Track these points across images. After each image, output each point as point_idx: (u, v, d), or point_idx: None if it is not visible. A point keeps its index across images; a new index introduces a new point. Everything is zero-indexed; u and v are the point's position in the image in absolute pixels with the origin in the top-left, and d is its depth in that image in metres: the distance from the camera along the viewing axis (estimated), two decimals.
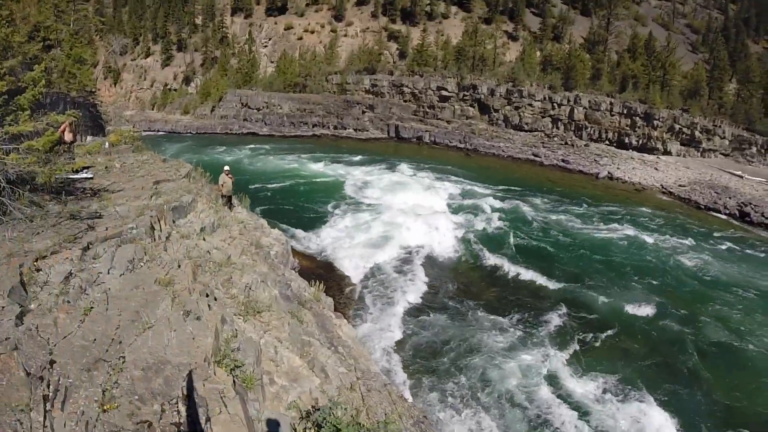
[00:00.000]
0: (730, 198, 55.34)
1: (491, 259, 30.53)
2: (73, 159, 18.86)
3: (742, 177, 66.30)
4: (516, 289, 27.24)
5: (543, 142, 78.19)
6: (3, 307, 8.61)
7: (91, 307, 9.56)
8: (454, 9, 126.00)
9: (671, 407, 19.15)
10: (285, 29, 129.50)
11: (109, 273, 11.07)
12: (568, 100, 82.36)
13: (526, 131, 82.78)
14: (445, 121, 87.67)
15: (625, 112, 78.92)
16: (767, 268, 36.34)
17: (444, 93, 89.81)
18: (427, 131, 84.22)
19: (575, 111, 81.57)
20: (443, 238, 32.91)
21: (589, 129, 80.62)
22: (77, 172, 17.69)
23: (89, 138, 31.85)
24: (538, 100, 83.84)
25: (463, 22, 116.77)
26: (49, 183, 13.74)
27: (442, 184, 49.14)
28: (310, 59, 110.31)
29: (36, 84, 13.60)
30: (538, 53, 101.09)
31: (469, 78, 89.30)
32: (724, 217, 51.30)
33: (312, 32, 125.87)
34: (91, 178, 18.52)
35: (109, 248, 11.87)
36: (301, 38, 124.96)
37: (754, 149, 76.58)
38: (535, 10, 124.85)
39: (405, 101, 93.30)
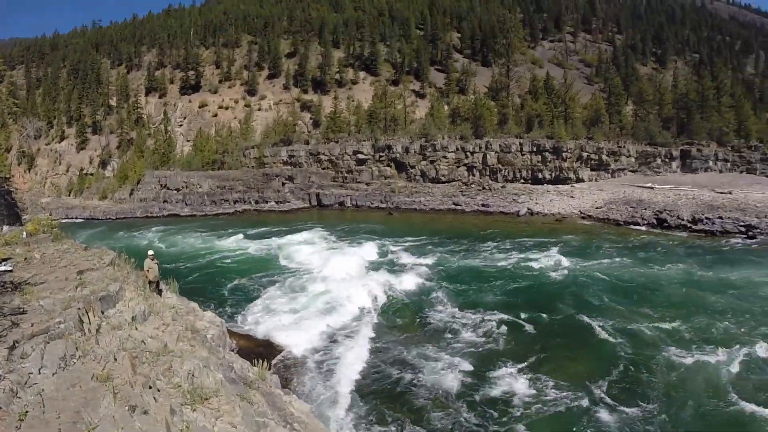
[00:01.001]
0: (645, 209, 59.05)
1: (425, 310, 31.04)
2: None
3: (652, 188, 71.03)
4: (455, 332, 27.55)
5: (462, 191, 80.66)
6: None
7: (26, 412, 8.93)
8: (362, 74, 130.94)
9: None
10: (200, 107, 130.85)
11: (40, 372, 10.41)
12: (480, 147, 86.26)
13: (444, 182, 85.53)
14: (365, 183, 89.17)
15: (534, 149, 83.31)
16: (689, 262, 40.22)
17: (360, 156, 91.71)
18: (348, 195, 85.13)
19: (488, 156, 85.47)
20: (377, 299, 33.13)
21: (504, 171, 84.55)
22: None
23: (5, 227, 31.25)
24: (452, 152, 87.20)
25: (372, 86, 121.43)
26: None
27: (368, 245, 49.54)
28: (227, 135, 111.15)
29: None
30: (446, 107, 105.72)
31: (383, 139, 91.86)
32: (643, 228, 54.79)
33: (226, 108, 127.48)
34: (11, 270, 18.15)
35: (38, 345, 11.30)
36: (216, 115, 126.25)
37: (658, 160, 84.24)
38: (439, 66, 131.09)
39: (323, 168, 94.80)
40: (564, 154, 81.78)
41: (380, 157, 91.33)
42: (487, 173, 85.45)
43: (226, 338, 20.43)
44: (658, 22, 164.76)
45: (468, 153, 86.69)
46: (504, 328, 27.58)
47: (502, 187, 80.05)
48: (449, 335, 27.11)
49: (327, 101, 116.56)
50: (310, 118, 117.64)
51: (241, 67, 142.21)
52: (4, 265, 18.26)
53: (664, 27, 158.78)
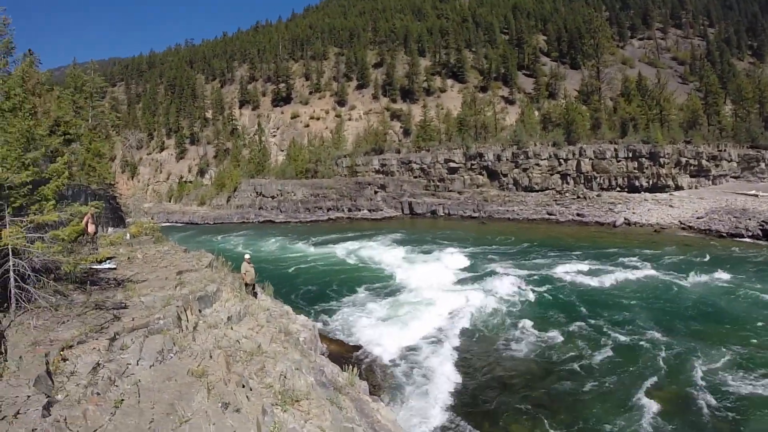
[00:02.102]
0: (750, 219, 54.70)
1: (521, 324, 29.36)
2: (97, 249, 19.04)
3: (757, 195, 65.95)
4: (545, 346, 26.06)
5: (555, 200, 77.91)
6: (29, 396, 8.53)
7: (122, 399, 9.30)
8: (450, 82, 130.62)
9: None
10: (291, 118, 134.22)
11: (138, 364, 10.89)
12: (573, 154, 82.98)
13: (537, 191, 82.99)
14: (457, 192, 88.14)
15: (630, 155, 79.30)
16: None
17: (452, 165, 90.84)
18: (440, 204, 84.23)
19: (582, 163, 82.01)
20: (466, 308, 32.14)
21: (599, 179, 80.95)
22: (101, 262, 17.94)
23: (110, 229, 32.47)
24: (544, 159, 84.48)
25: (460, 93, 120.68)
26: (73, 273, 14.02)
27: (461, 254, 48.30)
28: (319, 145, 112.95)
29: (59, 175, 14.05)
30: (537, 113, 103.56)
31: (474, 147, 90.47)
32: (748, 240, 50.45)
33: (318, 119, 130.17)
34: (115, 268, 18.91)
35: (137, 339, 11.78)
36: (307, 125, 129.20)
37: (762, 165, 77.18)
38: (527, 71, 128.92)
39: (415, 177, 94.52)
40: (661, 160, 77.05)
41: (472, 165, 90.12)
42: (582, 181, 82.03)
43: (317, 342, 20.41)
44: (752, 12, 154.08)
45: (561, 160, 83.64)
46: (597, 345, 25.73)
47: (597, 195, 76.60)
48: (539, 348, 25.84)
49: (416, 110, 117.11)
50: (400, 127, 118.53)
51: (330, 79, 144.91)
52: (109, 263, 19.02)
53: (758, 17, 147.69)
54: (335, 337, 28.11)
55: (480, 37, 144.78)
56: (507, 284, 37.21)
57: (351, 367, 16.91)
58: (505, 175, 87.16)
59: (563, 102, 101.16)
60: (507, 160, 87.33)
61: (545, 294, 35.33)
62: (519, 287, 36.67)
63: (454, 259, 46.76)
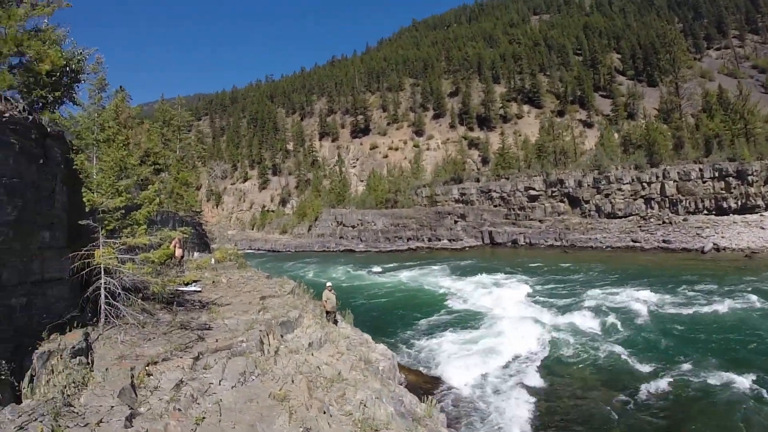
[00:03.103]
0: None
1: (603, 358, 27.97)
2: (184, 273, 19.84)
3: None
4: (636, 388, 23.53)
5: (640, 226, 74.66)
6: (112, 407, 8.82)
7: (203, 417, 9.50)
8: (526, 108, 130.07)
9: None
10: (370, 149, 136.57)
11: (220, 384, 11.09)
12: (657, 177, 78.69)
13: (620, 218, 79.69)
14: (538, 220, 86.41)
15: (716, 175, 74.13)
16: None
17: (532, 192, 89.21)
18: (521, 233, 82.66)
19: (666, 186, 77.49)
20: (548, 339, 31.34)
21: (684, 202, 75.98)
22: (187, 285, 18.54)
23: (196, 254, 33.42)
24: (627, 183, 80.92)
25: (537, 118, 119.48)
26: (161, 293, 14.53)
27: (541, 285, 47.25)
28: (398, 175, 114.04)
29: (150, 202, 14.61)
30: (616, 135, 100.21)
31: (554, 173, 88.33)
32: None
33: (396, 149, 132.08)
34: (200, 291, 19.51)
35: (220, 360, 12.08)
36: (386, 156, 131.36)
37: None
38: (603, 92, 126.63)
39: (495, 206, 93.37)
40: (749, 178, 71.30)
41: (552, 192, 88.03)
42: (666, 205, 77.57)
43: (395, 371, 20.01)
44: None
45: (644, 184, 79.59)
46: (685, 386, 23.18)
47: (683, 220, 72.75)
48: (621, 384, 23.92)
49: (493, 137, 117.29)
50: (479, 155, 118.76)
51: (406, 109, 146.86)
52: (195, 286, 19.68)
53: None
54: (413, 367, 27.68)
55: (553, 60, 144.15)
56: (589, 316, 35.88)
57: (429, 398, 16.68)
58: (587, 202, 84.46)
59: (643, 122, 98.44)
60: (588, 185, 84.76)
61: (629, 327, 33.45)
62: (601, 319, 35.08)
63: (535, 289, 45.93)
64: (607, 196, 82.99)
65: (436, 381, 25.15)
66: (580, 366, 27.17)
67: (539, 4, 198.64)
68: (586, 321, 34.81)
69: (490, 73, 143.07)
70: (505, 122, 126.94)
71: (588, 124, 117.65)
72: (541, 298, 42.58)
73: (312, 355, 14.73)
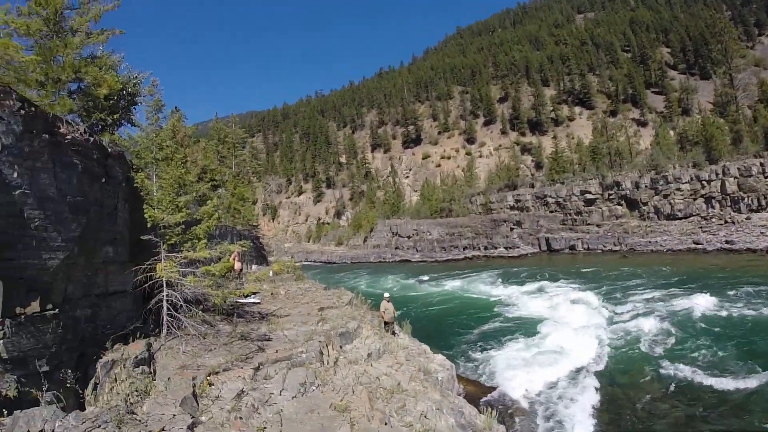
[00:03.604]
0: None
1: (665, 368, 26.52)
2: (243, 285, 20.22)
3: None
4: (702, 402, 22.47)
5: (701, 227, 71.79)
6: (174, 415, 8.98)
7: (264, 428, 9.55)
8: (577, 109, 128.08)
9: None
10: (423, 158, 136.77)
11: (281, 394, 11.15)
12: (716, 174, 74.91)
13: (680, 219, 76.49)
14: (595, 225, 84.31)
15: None
16: None
17: (588, 196, 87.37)
18: (578, 239, 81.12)
19: (726, 184, 73.42)
20: (611, 350, 30.33)
21: (746, 199, 71.80)
22: (246, 297, 19.01)
23: (254, 267, 33.96)
24: (685, 182, 77.63)
25: (590, 120, 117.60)
26: (220, 305, 14.99)
27: (600, 292, 45.66)
28: (452, 184, 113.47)
29: (210, 217, 15.04)
30: (671, 132, 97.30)
31: (610, 175, 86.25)
32: None
33: (448, 158, 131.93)
34: (259, 303, 19.79)
35: (280, 370, 12.18)
36: (439, 165, 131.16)
37: None
38: (655, 89, 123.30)
39: (551, 212, 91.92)
40: None
41: (609, 195, 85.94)
42: (728, 203, 73.71)
43: (454, 382, 19.55)
44: None
45: (703, 182, 75.96)
46: (759, 400, 21.69)
47: (747, 218, 69.27)
48: (686, 397, 22.87)
49: (546, 141, 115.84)
50: (532, 161, 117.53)
51: (457, 117, 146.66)
52: (254, 298, 19.96)
53: None
54: (471, 377, 27.28)
55: (602, 59, 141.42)
56: (650, 324, 34.34)
57: (489, 409, 16.32)
58: (645, 204, 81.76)
59: (698, 117, 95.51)
60: (646, 186, 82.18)
61: (693, 335, 31.87)
62: (664, 327, 33.63)
63: (594, 296, 44.47)
64: (665, 196, 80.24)
65: (495, 391, 24.78)
66: (643, 377, 26.25)
67: (583, 3, 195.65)
68: (647, 329, 33.57)
69: (538, 76, 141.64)
70: (557, 125, 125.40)
71: (642, 123, 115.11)
72: (601, 306, 41.53)
73: (371, 365, 14.71)
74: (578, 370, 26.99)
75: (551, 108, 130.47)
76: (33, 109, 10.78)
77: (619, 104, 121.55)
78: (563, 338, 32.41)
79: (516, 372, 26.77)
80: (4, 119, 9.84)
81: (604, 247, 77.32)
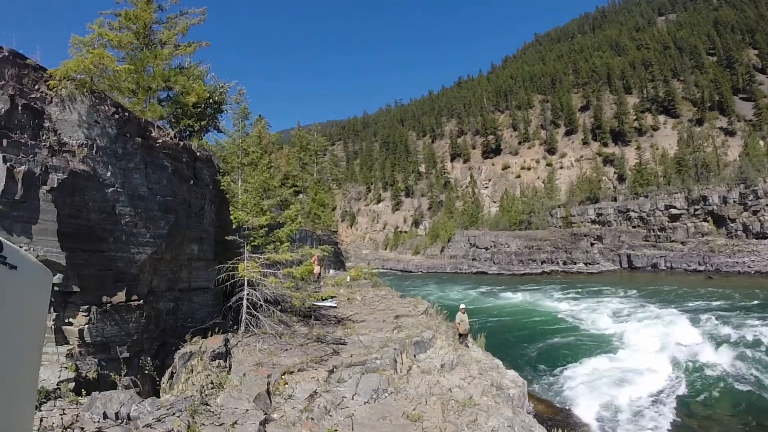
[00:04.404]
0: None
1: (751, 403, 25.04)
2: (321, 288, 20.64)
3: None
4: None
5: None
6: (247, 410, 9.15)
7: (335, 430, 9.54)
8: (662, 118, 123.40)
9: None
10: (502, 169, 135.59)
11: (353, 399, 11.11)
12: None
13: None
14: (680, 242, 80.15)
15: None
16: None
17: (673, 211, 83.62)
18: (661, 257, 77.80)
19: None
20: (690, 376, 28.92)
21: None
22: (324, 300, 19.29)
23: (332, 271, 34.58)
24: None
25: (675, 129, 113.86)
26: (299, 307, 15.26)
27: (682, 314, 43.55)
28: (531, 195, 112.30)
29: (292, 221, 15.48)
30: (761, 142, 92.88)
31: (697, 189, 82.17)
32: None
33: (528, 169, 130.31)
34: (336, 307, 20.17)
35: (354, 374, 12.22)
36: (518, 176, 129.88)
37: None
38: (743, 94, 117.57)
39: (633, 227, 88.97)
40: None
41: (695, 210, 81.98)
42: None
43: (525, 400, 19.09)
44: None
45: None
46: None
47: None
48: None
49: (629, 152, 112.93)
50: (614, 172, 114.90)
51: (537, 127, 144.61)
52: (331, 302, 20.30)
53: None
54: (542, 396, 26.49)
55: (686, 64, 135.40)
56: (732, 352, 32.52)
57: (559, 430, 16.16)
58: (733, 220, 77.49)
59: None
60: (734, 202, 77.93)
61: None
62: (747, 357, 31.63)
63: (675, 319, 42.60)
64: (755, 213, 75.88)
65: (565, 413, 24.21)
66: (723, 410, 24.97)
67: (663, 4, 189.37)
68: (729, 357, 31.91)
69: (620, 83, 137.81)
70: (641, 135, 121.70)
71: (730, 132, 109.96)
72: (681, 330, 39.75)
73: (444, 376, 14.64)
74: (653, 396, 26.12)
75: (634, 117, 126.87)
76: (126, 114, 11.55)
77: (705, 112, 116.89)
78: (639, 360, 31.54)
79: (589, 393, 26.21)
80: (100, 123, 10.60)
81: (688, 266, 73.79)
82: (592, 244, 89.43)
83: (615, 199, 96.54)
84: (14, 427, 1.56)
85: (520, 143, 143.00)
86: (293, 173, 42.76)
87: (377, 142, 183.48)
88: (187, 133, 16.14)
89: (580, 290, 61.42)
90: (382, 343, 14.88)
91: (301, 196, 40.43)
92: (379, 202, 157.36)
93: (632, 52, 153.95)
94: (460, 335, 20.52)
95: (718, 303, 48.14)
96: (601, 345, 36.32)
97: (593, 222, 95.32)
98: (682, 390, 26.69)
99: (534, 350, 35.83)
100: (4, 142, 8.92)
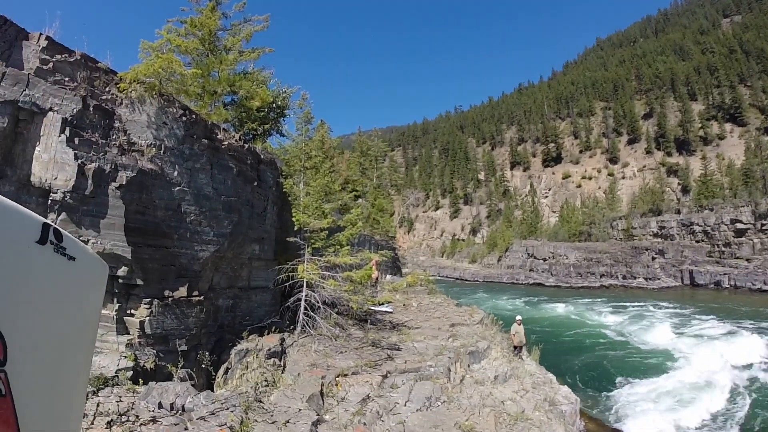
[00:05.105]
0: None
1: None
2: (378, 293, 20.58)
3: None
4: None
5: None
6: (300, 410, 9.29)
7: None
8: (728, 126, 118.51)
9: None
10: (563, 178, 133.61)
11: (405, 405, 11.06)
12: None
13: None
14: (745, 259, 76.62)
15: None
16: None
17: (739, 226, 79.99)
18: (725, 274, 74.27)
19: None
20: (743, 399, 28.03)
21: None
22: (380, 305, 19.26)
23: (389, 277, 34.60)
24: None
25: (742, 138, 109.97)
26: (355, 310, 15.41)
27: (743, 336, 42.41)
28: (592, 206, 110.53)
29: (353, 225, 15.65)
30: None
31: (765, 203, 78.77)
32: None
33: (589, 178, 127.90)
34: (391, 312, 20.26)
35: (407, 381, 12.19)
36: (579, 186, 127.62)
37: None
38: None
39: (697, 241, 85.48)
40: None
41: (762, 225, 78.34)
42: None
43: (577, 417, 18.69)
44: None
45: None
46: None
47: None
48: None
49: (694, 162, 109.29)
50: (678, 184, 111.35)
51: (599, 135, 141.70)
52: (387, 307, 20.30)
53: None
54: (594, 415, 25.92)
55: (753, 68, 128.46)
56: None
57: None
58: None
59: None
60: None
61: None
62: None
63: (736, 339, 41.68)
64: None
65: None
66: None
67: (728, 5, 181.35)
68: None
69: (685, 90, 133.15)
70: (706, 144, 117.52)
71: None
72: (742, 350, 38.69)
73: (497, 388, 14.59)
74: (713, 420, 25.44)
75: (699, 125, 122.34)
76: (194, 116, 11.99)
77: None
78: (698, 383, 30.67)
79: (642, 415, 25.66)
80: (168, 124, 11.05)
81: (753, 285, 70.41)
82: (653, 259, 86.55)
83: (678, 212, 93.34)
84: (67, 409, 1.71)
85: (581, 152, 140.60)
86: (353, 178, 43.21)
87: (437, 149, 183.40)
88: (251, 136, 16.64)
89: (639, 306, 60.36)
90: (436, 350, 14.91)
91: (360, 200, 40.74)
92: (437, 209, 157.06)
93: (697, 56, 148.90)
94: (515, 347, 20.46)
95: None
96: (659, 364, 35.75)
97: (655, 235, 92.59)
98: (743, 412, 25.97)
99: (588, 366, 35.58)
100: (76, 140, 9.41)
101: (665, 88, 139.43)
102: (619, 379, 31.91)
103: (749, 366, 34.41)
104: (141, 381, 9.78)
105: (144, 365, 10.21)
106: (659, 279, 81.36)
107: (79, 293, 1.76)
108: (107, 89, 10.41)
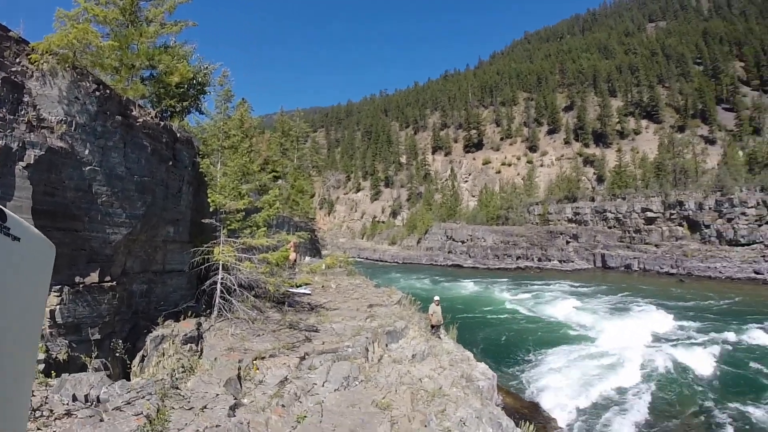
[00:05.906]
0: None
1: (713, 399, 25.74)
2: (296, 275, 20.57)
3: None
4: None
5: (764, 256, 68.00)
6: (217, 395, 9.22)
7: (305, 416, 9.57)
8: (644, 123, 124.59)
9: None
10: (483, 164, 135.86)
11: (323, 386, 11.23)
12: None
13: (742, 245, 72.38)
14: (654, 245, 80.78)
15: None
16: None
17: (649, 214, 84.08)
18: (635, 258, 78.27)
19: None
20: (655, 373, 29.45)
21: None
22: (298, 287, 19.08)
23: (308, 258, 34.38)
24: (751, 207, 73.98)
25: (656, 134, 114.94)
26: (273, 293, 15.22)
27: (652, 315, 44.11)
28: (510, 191, 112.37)
29: (270, 206, 15.32)
30: (740, 153, 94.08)
31: (674, 194, 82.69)
32: None
33: (509, 165, 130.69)
34: (310, 294, 20.15)
35: (325, 362, 12.27)
36: (499, 171, 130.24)
37: None
38: (726, 105, 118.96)
39: (609, 227, 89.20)
40: None
41: (671, 215, 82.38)
42: None
43: (495, 392, 19.38)
44: None
45: None
46: None
47: None
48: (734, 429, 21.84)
49: (610, 154, 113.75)
50: (594, 173, 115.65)
51: (520, 124, 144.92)
52: (305, 289, 20.14)
53: None
54: (511, 389, 26.70)
55: (672, 71, 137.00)
56: (700, 353, 33.15)
57: (526, 424, 16.11)
58: (707, 227, 77.94)
59: None
60: (709, 208, 78.57)
61: (744, 369, 30.44)
62: (713, 358, 32.35)
63: (645, 319, 43.21)
64: (729, 220, 76.53)
65: (533, 407, 24.38)
66: (687, 407, 25.34)
67: (654, 11, 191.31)
68: (695, 358, 32.65)
69: (606, 86, 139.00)
70: (622, 138, 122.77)
71: (710, 141, 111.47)
72: (650, 330, 40.48)
73: (415, 366, 14.77)
74: (620, 394, 26.44)
75: (617, 120, 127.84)
76: (108, 91, 11.36)
77: (687, 119, 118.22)
78: (608, 359, 31.95)
79: (556, 389, 26.46)
80: (80, 99, 10.42)
81: (661, 268, 74.51)
82: (567, 242, 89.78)
83: (593, 200, 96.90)
84: (14, 401, 1.52)
85: (502, 139, 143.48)
86: (273, 158, 42.47)
87: (359, 131, 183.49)
88: (169, 113, 15.94)
89: (553, 287, 62.21)
90: (354, 331, 14.96)
91: (280, 181, 40.35)
92: (358, 191, 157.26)
93: (620, 56, 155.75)
94: (433, 326, 20.58)
95: (689, 304, 49.21)
96: (572, 341, 36.83)
97: (570, 221, 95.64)
98: (649, 390, 27.02)
99: (506, 343, 36.47)
100: None
101: (587, 84, 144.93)
102: (535, 354, 33.10)
103: (657, 343, 36.04)
104: (53, 373, 9.35)
105: (56, 357, 9.73)
106: (573, 261, 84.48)
107: (24, 276, 1.55)
108: (18, 60, 9.65)
